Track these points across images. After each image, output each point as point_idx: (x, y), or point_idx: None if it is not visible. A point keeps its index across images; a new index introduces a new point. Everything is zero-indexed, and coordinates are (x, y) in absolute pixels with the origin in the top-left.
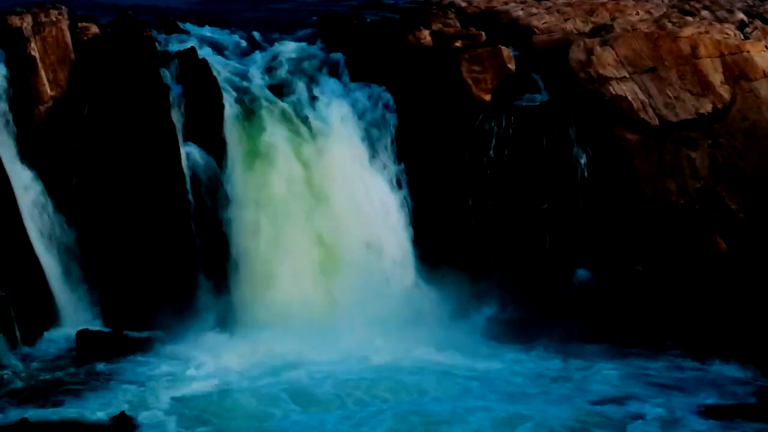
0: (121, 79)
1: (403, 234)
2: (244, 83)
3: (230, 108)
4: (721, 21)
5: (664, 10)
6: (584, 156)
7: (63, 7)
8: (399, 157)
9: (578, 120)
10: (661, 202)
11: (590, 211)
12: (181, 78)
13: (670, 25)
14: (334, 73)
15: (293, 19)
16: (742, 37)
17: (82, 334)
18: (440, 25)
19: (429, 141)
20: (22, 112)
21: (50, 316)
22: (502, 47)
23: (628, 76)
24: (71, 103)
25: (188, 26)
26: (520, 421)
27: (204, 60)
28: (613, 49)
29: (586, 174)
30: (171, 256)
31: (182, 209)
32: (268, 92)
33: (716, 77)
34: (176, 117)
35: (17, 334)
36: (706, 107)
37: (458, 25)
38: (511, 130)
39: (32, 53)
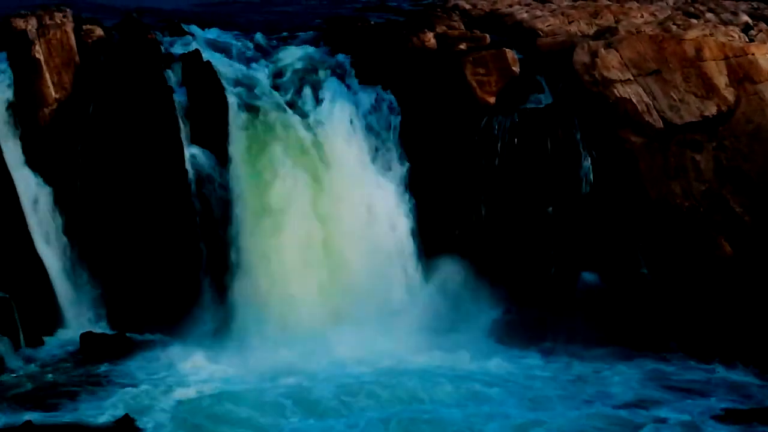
0: (126, 82)
1: (408, 236)
2: (249, 86)
3: (234, 110)
4: (725, 23)
5: (669, 12)
6: (589, 158)
7: (68, 10)
8: (403, 159)
9: (583, 122)
10: (665, 205)
11: (595, 213)
12: (186, 81)
13: (674, 27)
14: (338, 75)
15: (297, 21)
16: (747, 40)
17: (86, 337)
18: (444, 28)
19: (434, 143)
20: (27, 115)
21: (54, 318)
22: (507, 50)
23: (632, 78)
24: (76, 106)
25: (193, 29)
26: (542, 428)
27: (208, 62)
28: (617, 51)
29: (590, 176)
30: (175, 259)
31: (186, 212)
32: (272, 94)
33: (721, 80)
34: (181, 120)
35: (21, 336)
36: (711, 110)
37: (462, 27)
38: (515, 133)
39: (37, 56)
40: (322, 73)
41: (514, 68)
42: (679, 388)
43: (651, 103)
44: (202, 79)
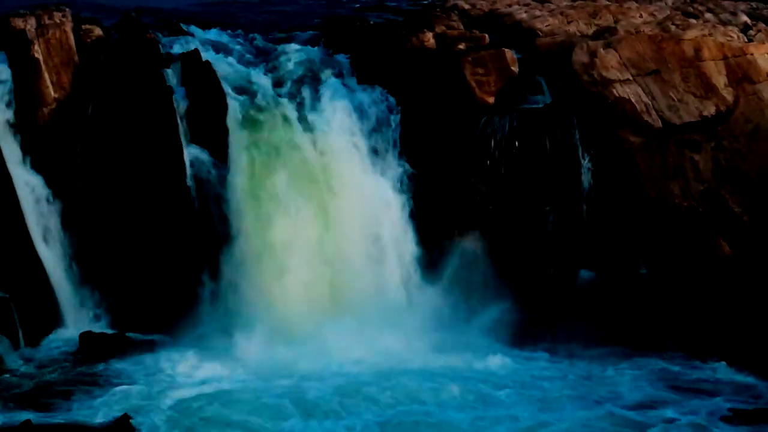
0: (125, 82)
1: (407, 236)
2: (248, 85)
3: (234, 110)
4: (724, 23)
5: (668, 12)
6: (588, 158)
7: (66, 9)
8: (403, 159)
9: (581, 122)
10: (664, 205)
11: (594, 213)
12: (185, 80)
13: (673, 27)
14: (337, 75)
15: (296, 21)
16: (746, 40)
17: (86, 336)
18: (444, 28)
19: (433, 143)
20: (26, 115)
21: (53, 317)
22: (506, 50)
23: (631, 78)
24: (75, 106)
25: (192, 28)
26: (549, 429)
27: (207, 62)
28: (616, 51)
29: (589, 176)
30: (174, 259)
31: (185, 211)
32: (271, 94)
33: (720, 80)
34: (180, 119)
35: (20, 335)
36: (710, 110)
37: (462, 27)
38: (514, 133)
39: (36, 55)
40: (321, 73)
41: (513, 68)
42: (684, 387)
43: (650, 103)
44: (201, 79)
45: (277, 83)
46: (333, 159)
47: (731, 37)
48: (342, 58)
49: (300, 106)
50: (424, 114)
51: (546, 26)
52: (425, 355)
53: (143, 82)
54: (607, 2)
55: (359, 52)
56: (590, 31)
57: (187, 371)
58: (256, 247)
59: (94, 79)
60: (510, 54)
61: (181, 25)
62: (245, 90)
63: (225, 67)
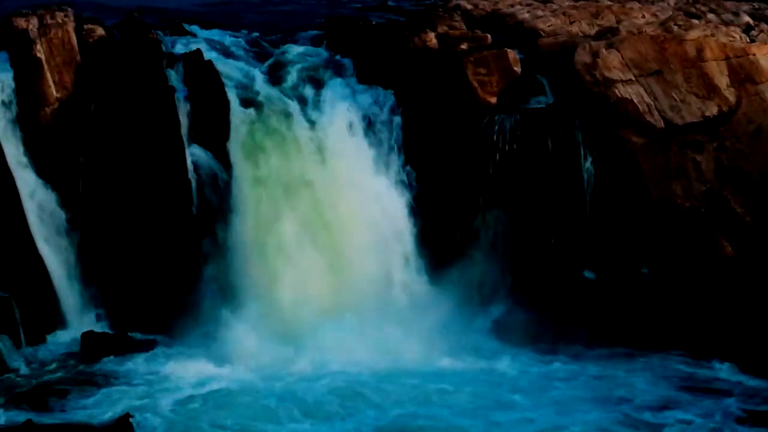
0: (127, 81)
1: (410, 236)
2: (250, 85)
3: (236, 110)
4: (726, 24)
5: (670, 12)
6: (590, 158)
7: (69, 9)
8: (405, 159)
9: (584, 123)
10: (666, 205)
11: (596, 213)
12: (187, 80)
13: (675, 27)
14: (340, 75)
15: (299, 21)
16: (748, 40)
17: (87, 336)
18: (446, 28)
19: (435, 143)
20: (28, 114)
21: (55, 317)
22: (508, 50)
23: (633, 78)
24: (77, 105)
25: (194, 28)
26: None
27: (210, 62)
28: (618, 51)
29: (591, 176)
30: (176, 259)
31: (187, 211)
32: (273, 94)
33: (722, 80)
34: (182, 119)
35: (22, 335)
36: (712, 110)
37: (464, 27)
38: (516, 133)
39: (38, 55)
40: (323, 73)
41: (515, 68)
42: (694, 388)
43: (652, 103)
44: (204, 79)
45: (280, 83)
46: (335, 158)
47: (733, 37)
48: (344, 58)
49: (302, 106)
50: (426, 114)
51: (548, 26)
52: (430, 356)
53: (145, 82)
54: (610, 2)
55: (361, 52)
56: (592, 32)
57: (188, 371)
58: (258, 247)
59: (97, 78)
60: (512, 54)
61: (184, 25)
62: (247, 90)
63: (227, 66)
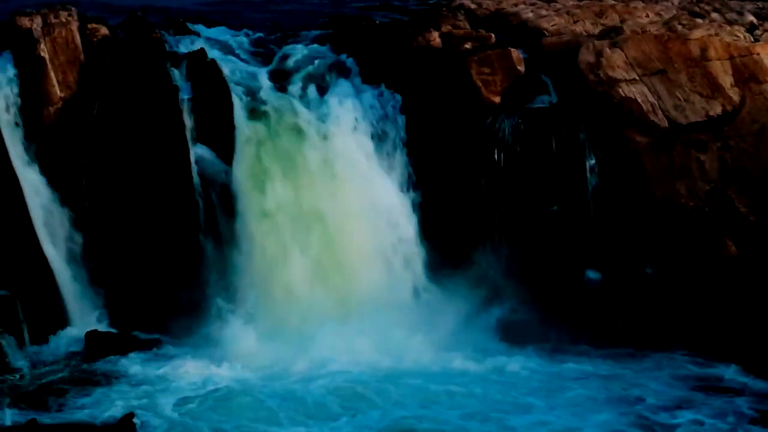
0: (131, 81)
1: (412, 235)
2: (254, 84)
3: (240, 109)
4: (731, 23)
5: (674, 12)
6: (594, 158)
7: (73, 9)
8: (408, 158)
9: (588, 122)
10: (670, 205)
11: (600, 212)
12: (191, 79)
13: (679, 27)
14: (343, 74)
15: (302, 20)
16: (752, 40)
17: (91, 335)
18: (450, 27)
19: (439, 143)
20: (32, 114)
21: (59, 316)
22: (512, 49)
23: (637, 78)
24: (81, 104)
25: (198, 27)
26: None
27: (213, 61)
28: (622, 51)
29: (595, 176)
30: (179, 258)
31: (191, 210)
32: (277, 93)
33: (726, 79)
34: (186, 118)
35: (25, 334)
36: (716, 109)
37: (468, 26)
38: (520, 132)
39: (42, 54)
40: (326, 72)
41: (519, 68)
42: (702, 388)
43: (656, 102)
44: (207, 78)
45: (283, 82)
46: (339, 158)
47: (738, 36)
48: (348, 57)
49: (306, 106)
50: (430, 113)
51: (552, 26)
52: (434, 356)
53: (149, 81)
54: (614, 2)
55: (365, 51)
56: (596, 31)
57: (190, 371)
58: (262, 248)
59: (100, 78)
60: (516, 53)
61: (187, 24)
62: (251, 89)
63: (231, 66)
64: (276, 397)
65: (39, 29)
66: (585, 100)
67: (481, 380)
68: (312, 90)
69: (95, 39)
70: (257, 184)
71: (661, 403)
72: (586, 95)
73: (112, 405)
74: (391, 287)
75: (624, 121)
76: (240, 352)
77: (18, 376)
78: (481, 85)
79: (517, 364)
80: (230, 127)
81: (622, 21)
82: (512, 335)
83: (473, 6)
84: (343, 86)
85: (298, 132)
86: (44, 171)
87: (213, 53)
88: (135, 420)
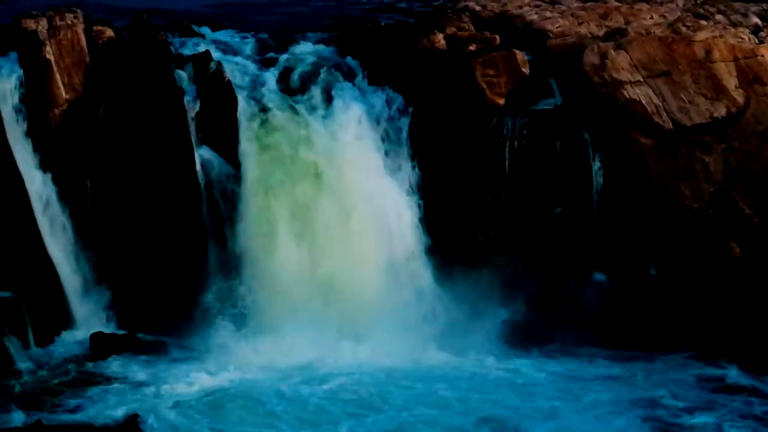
0: (136, 83)
1: (417, 236)
2: (259, 86)
3: (244, 111)
4: (735, 25)
5: (679, 14)
6: (598, 160)
7: (78, 11)
8: (413, 160)
9: (592, 124)
10: (675, 206)
11: (604, 214)
12: (196, 82)
13: (684, 29)
14: (349, 76)
15: (307, 23)
16: (757, 41)
17: (96, 337)
18: (454, 29)
19: (443, 144)
20: (37, 115)
21: (64, 318)
22: (517, 51)
23: (642, 80)
24: (86, 107)
25: (203, 29)
26: None
27: (218, 63)
28: (627, 52)
29: (600, 178)
30: (184, 260)
31: (196, 212)
32: (282, 95)
33: (730, 81)
34: (190, 120)
35: (30, 336)
36: (720, 111)
37: (472, 28)
38: (525, 134)
39: (47, 56)
40: (332, 75)
41: (523, 69)
42: (719, 389)
43: (660, 104)
44: (212, 80)
45: (288, 84)
46: (343, 160)
47: (742, 38)
48: (353, 59)
49: (311, 108)
50: (434, 115)
51: (557, 28)
52: (442, 358)
53: (154, 83)
54: (618, 4)
55: (370, 53)
56: (601, 33)
57: (194, 373)
58: (267, 250)
59: (106, 80)
60: (521, 55)
61: (193, 26)
62: (256, 91)
63: (236, 68)
64: (279, 400)
65: (45, 31)
66: (589, 102)
67: (492, 383)
68: (317, 92)
69: (101, 41)
70: (262, 186)
71: (681, 405)
72: (590, 97)
73: (117, 406)
74: (396, 290)
75: (628, 122)
76: (243, 355)
77: (23, 378)
78: (485, 86)
79: (528, 366)
80: (235, 130)
81: (627, 23)
82: (517, 337)
83: (478, 8)
84: (348, 88)
85: (303, 135)
86: (50, 173)
87: (218, 55)
88: (142, 423)
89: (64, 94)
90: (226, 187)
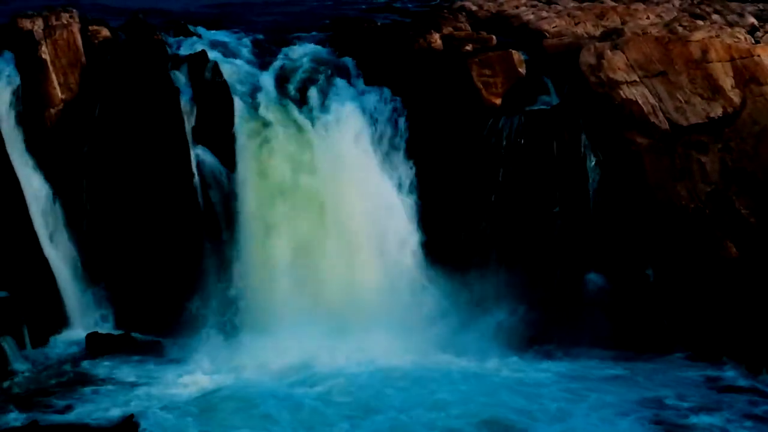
0: (132, 82)
1: (413, 236)
2: (255, 86)
3: (240, 111)
4: (731, 25)
5: (675, 14)
6: (594, 160)
7: (74, 11)
8: (409, 160)
9: (589, 124)
10: (671, 206)
11: (600, 214)
12: (192, 81)
13: (680, 29)
14: (345, 76)
15: (303, 23)
16: (753, 42)
17: (92, 337)
18: (451, 29)
19: (439, 144)
20: (33, 115)
21: (59, 318)
22: (513, 51)
23: (638, 80)
24: (82, 106)
25: (199, 29)
26: None
27: (215, 63)
28: (623, 53)
29: (596, 178)
30: (180, 259)
31: (191, 212)
32: (278, 95)
33: (727, 81)
34: (186, 120)
35: (26, 336)
36: (717, 111)
37: (469, 28)
38: (521, 134)
39: (43, 56)
40: (328, 74)
41: (520, 69)
42: (721, 389)
43: (657, 104)
44: (208, 80)
45: (284, 84)
46: (339, 160)
47: (738, 38)
48: (349, 59)
49: (307, 108)
50: (431, 115)
51: (553, 27)
52: (444, 360)
53: (150, 83)
54: (614, 4)
55: (366, 53)
56: (597, 33)
57: (192, 373)
58: (263, 249)
59: (102, 80)
60: (517, 55)
61: (189, 26)
62: (252, 91)
63: (232, 68)
64: (274, 402)
65: (40, 31)
66: (586, 102)
67: (493, 384)
68: (313, 92)
69: (96, 41)
70: (258, 186)
71: (686, 406)
72: (587, 97)
73: (114, 406)
74: (393, 290)
75: (625, 122)
76: (238, 356)
77: (19, 378)
78: (482, 86)
79: (529, 367)
80: (231, 130)
81: (623, 23)
82: (513, 338)
83: (474, 8)
84: (344, 88)
85: (299, 134)
86: (45, 173)
87: (214, 55)
88: (139, 424)
89: (59, 94)
90: (222, 187)
